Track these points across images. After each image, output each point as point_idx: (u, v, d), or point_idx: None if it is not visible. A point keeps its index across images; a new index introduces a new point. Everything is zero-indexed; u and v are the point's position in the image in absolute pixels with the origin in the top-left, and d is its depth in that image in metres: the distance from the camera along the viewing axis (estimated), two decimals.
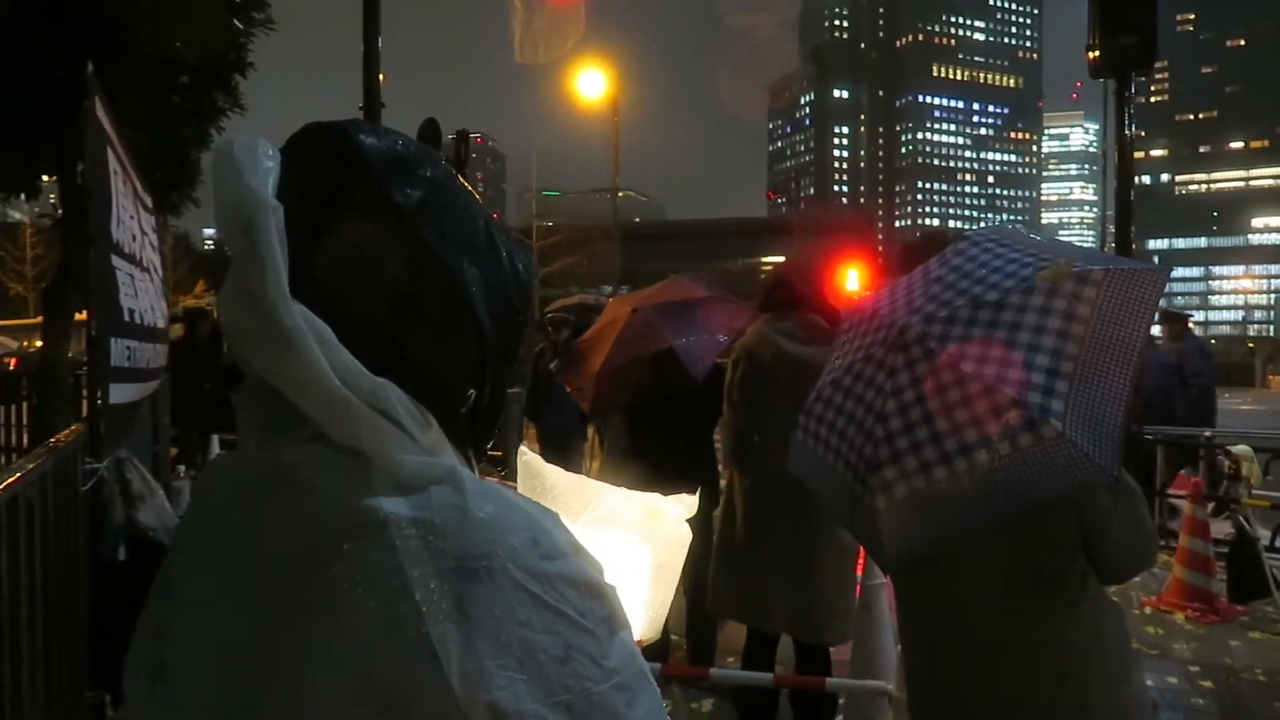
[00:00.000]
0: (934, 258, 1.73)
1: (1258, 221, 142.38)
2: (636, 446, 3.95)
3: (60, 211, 6.72)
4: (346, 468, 0.65)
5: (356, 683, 0.60)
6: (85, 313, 2.63)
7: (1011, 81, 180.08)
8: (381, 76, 7.74)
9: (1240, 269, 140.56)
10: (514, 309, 0.77)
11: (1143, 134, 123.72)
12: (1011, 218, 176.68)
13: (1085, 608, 1.75)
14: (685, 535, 1.68)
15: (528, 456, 1.68)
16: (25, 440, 7.44)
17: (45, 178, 6.90)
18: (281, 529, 0.65)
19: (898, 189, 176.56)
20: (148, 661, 0.69)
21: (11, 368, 12.03)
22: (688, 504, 1.71)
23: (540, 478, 1.65)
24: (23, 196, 7.38)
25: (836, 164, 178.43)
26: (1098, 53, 6.49)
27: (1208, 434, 7.47)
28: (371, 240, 0.69)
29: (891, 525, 1.56)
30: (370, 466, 0.65)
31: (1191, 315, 9.68)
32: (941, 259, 1.70)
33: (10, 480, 2.00)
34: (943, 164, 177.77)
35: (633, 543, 1.62)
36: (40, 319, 7.50)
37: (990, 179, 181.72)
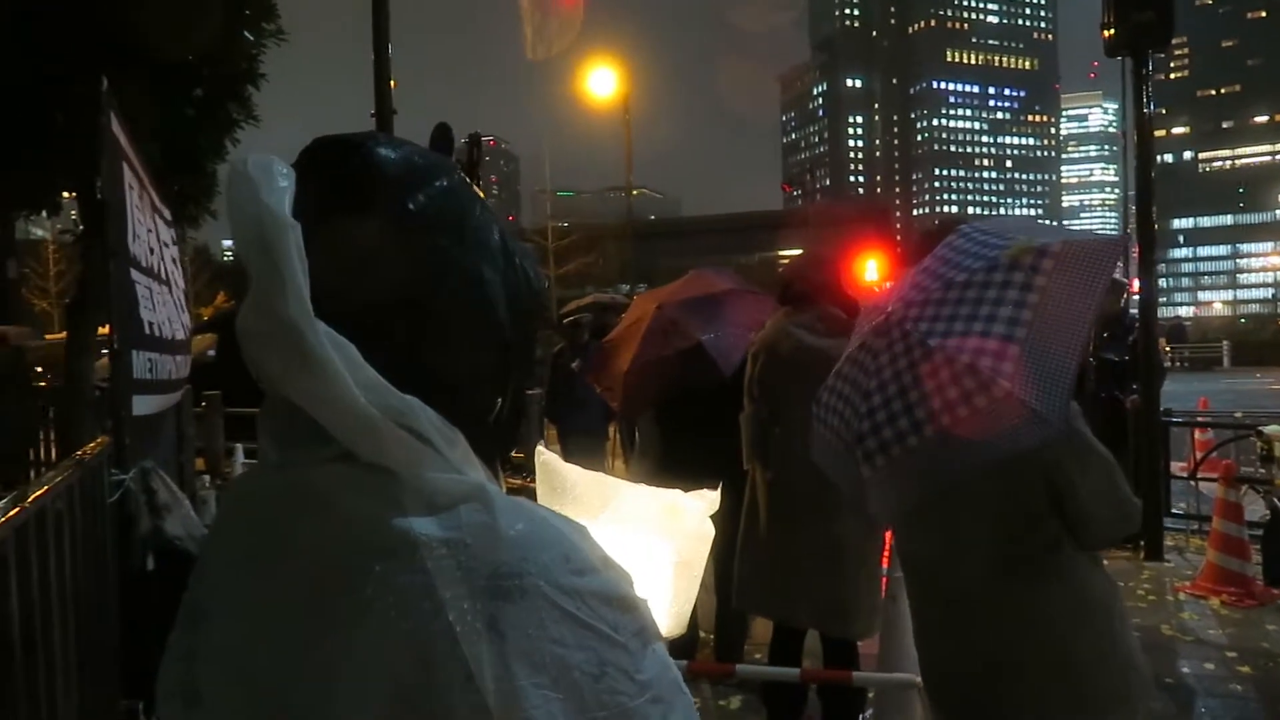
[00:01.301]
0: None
1: None
2: (669, 444, 3.94)
3: (81, 227, 6.81)
4: (373, 487, 0.65)
5: (388, 704, 0.60)
6: (107, 327, 2.66)
7: (1027, 64, 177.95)
8: (392, 83, 7.79)
9: (1269, 246, 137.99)
10: (530, 314, 0.77)
11: (1163, 112, 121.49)
12: (1031, 202, 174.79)
13: (1064, 572, 1.84)
14: (708, 531, 1.66)
15: (545, 456, 1.67)
16: None
17: (66, 194, 7.00)
18: (309, 550, 0.65)
19: (914, 177, 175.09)
20: (180, 686, 0.69)
21: None
22: (710, 500, 1.70)
23: (559, 477, 1.64)
24: (45, 213, 7.50)
25: (851, 154, 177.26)
26: (1113, 31, 6.38)
27: (1239, 414, 7.34)
28: (391, 251, 0.69)
29: (876, 490, 1.72)
30: (397, 485, 0.65)
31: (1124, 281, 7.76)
32: (933, 251, 1.83)
33: (38, 493, 2.03)
34: (959, 150, 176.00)
35: (654, 540, 1.61)
36: (64, 334, 7.61)
37: (1008, 163, 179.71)
